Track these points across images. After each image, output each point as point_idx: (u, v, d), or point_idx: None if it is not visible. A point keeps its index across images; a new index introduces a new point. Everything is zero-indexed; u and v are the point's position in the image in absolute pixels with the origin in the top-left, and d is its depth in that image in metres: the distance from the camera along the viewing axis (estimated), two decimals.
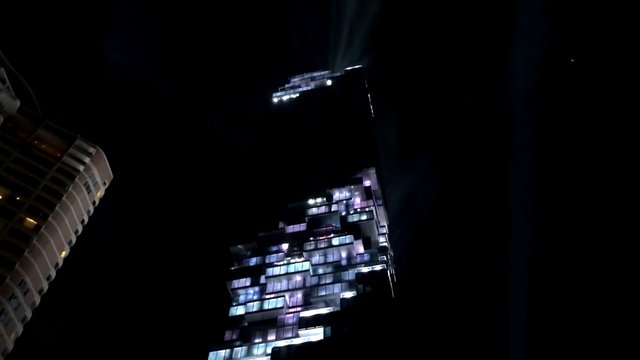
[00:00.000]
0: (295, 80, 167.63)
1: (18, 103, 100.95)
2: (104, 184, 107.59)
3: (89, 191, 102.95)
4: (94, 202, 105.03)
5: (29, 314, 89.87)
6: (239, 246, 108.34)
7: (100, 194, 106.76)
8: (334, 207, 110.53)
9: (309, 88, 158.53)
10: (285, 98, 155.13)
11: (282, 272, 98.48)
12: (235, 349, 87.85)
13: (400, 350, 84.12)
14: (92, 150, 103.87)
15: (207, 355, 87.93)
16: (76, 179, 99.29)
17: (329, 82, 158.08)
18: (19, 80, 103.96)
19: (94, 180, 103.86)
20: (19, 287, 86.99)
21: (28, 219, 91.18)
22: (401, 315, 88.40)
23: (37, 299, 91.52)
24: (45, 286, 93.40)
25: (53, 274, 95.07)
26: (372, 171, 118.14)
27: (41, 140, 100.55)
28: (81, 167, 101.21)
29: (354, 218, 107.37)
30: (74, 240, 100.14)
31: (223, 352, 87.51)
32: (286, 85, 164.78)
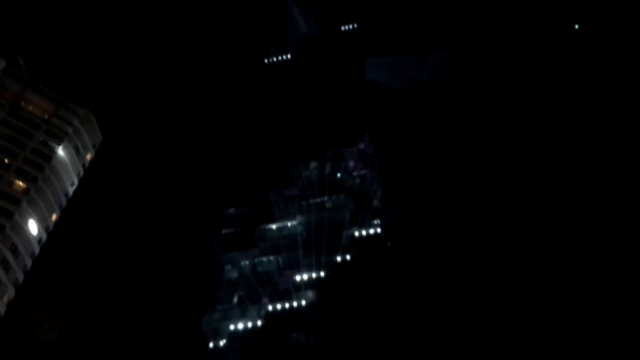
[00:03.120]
0: (289, 41, 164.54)
1: (3, 63, 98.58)
2: (94, 146, 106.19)
3: (79, 154, 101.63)
4: (83, 165, 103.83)
5: (20, 277, 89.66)
6: (232, 210, 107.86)
7: (90, 156, 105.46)
8: (327, 171, 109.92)
9: (302, 50, 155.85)
10: (277, 60, 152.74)
11: (275, 236, 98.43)
12: (228, 311, 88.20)
13: (393, 313, 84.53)
14: (80, 112, 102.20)
15: (200, 319, 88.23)
16: (65, 141, 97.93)
17: (323, 44, 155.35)
18: (3, 39, 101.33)
19: (83, 143, 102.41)
20: (10, 250, 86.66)
21: (17, 181, 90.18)
22: (394, 279, 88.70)
23: (29, 262, 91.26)
24: (37, 249, 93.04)
25: (44, 237, 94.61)
26: (366, 134, 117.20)
27: (28, 102, 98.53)
28: (70, 129, 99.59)
29: (348, 181, 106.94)
30: (64, 203, 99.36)
31: (217, 315, 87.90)
32: (279, 47, 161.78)
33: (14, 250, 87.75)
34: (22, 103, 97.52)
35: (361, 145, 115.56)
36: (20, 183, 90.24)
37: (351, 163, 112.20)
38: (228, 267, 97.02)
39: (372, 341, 78.66)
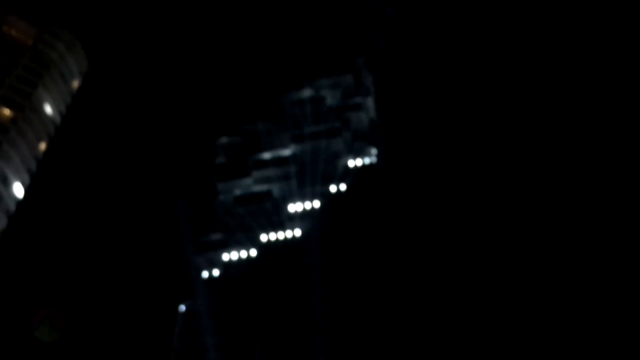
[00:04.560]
0: None
1: None
2: (80, 73, 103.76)
3: (65, 81, 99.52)
4: (71, 92, 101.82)
5: (12, 207, 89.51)
6: (225, 139, 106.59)
7: (77, 83, 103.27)
8: (321, 98, 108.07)
9: None
10: None
11: (268, 165, 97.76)
12: (222, 242, 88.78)
13: (386, 243, 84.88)
14: (65, 37, 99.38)
15: (193, 250, 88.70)
16: (51, 68, 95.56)
17: None
18: None
19: (69, 69, 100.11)
20: (0, 180, 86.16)
21: (3, 109, 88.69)
22: (389, 210, 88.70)
23: (20, 193, 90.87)
24: (27, 179, 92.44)
25: (34, 166, 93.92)
26: (361, 60, 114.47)
27: (11, 27, 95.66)
28: (55, 55, 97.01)
29: (342, 110, 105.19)
30: (52, 131, 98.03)
31: (210, 246, 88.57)
32: None
33: (4, 180, 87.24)
34: (5, 28, 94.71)
35: (356, 72, 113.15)
36: (7, 111, 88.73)
37: (346, 90, 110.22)
38: (221, 197, 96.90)
39: (366, 270, 79.35)
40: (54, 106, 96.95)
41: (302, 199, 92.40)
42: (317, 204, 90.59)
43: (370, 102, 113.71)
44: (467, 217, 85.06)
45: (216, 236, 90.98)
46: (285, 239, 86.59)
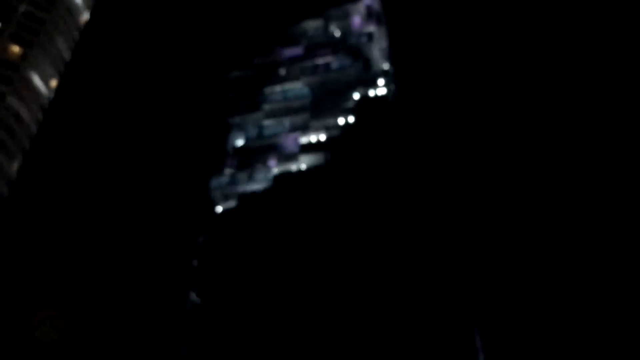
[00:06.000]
0: None
1: None
2: (87, 7, 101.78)
3: (73, 15, 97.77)
4: (79, 28, 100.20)
5: (26, 144, 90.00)
6: (235, 73, 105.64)
7: (85, 18, 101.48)
8: (332, 29, 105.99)
9: None
10: None
11: (280, 98, 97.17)
12: (236, 175, 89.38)
13: (397, 173, 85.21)
14: None
15: (208, 183, 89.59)
16: (57, 2, 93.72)
17: None
18: None
19: (75, 3, 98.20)
20: (13, 118, 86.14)
21: (12, 47, 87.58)
22: (401, 141, 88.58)
23: (34, 129, 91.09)
24: (40, 115, 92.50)
25: (46, 103, 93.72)
26: None
27: None
28: None
29: (354, 40, 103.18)
30: (63, 68, 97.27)
31: (225, 179, 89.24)
32: None
33: (17, 117, 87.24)
34: None
35: (368, 1, 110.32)
36: (16, 49, 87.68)
37: (357, 20, 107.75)
38: (233, 131, 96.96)
39: (377, 200, 79.98)
40: (62, 42, 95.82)
41: (314, 130, 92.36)
42: (330, 135, 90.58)
43: (381, 31, 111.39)
44: (476, 147, 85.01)
45: (229, 170, 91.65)
46: (298, 170, 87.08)
